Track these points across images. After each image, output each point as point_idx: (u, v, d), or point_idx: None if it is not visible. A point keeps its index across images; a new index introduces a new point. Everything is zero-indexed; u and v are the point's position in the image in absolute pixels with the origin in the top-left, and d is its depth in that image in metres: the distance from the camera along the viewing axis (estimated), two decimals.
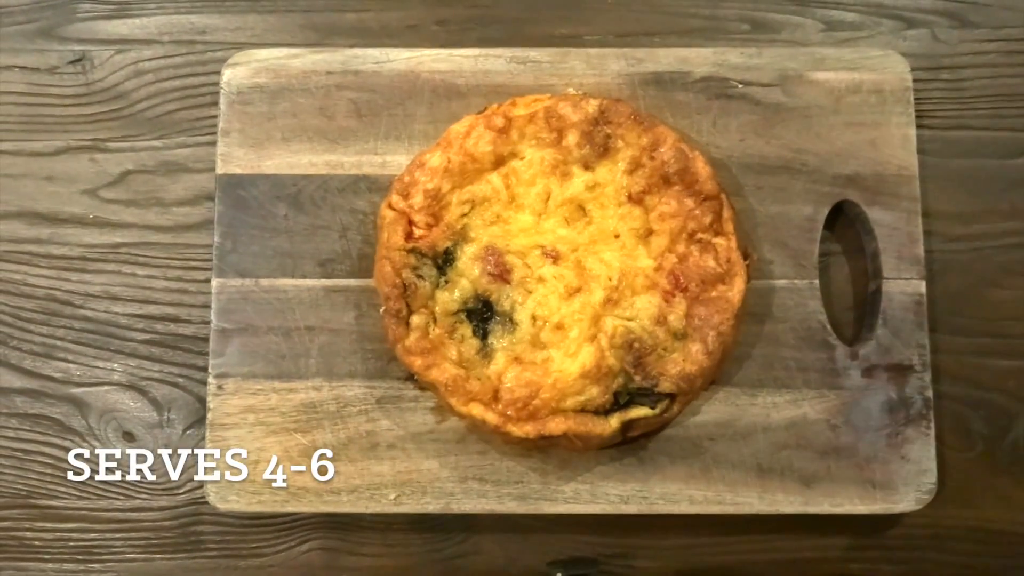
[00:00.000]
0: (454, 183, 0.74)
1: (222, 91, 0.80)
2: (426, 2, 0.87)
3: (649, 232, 0.74)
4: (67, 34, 0.86)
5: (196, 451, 0.80)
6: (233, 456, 0.75)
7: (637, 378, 0.70)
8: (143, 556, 0.80)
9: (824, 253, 0.79)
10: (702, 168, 0.74)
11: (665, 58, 0.80)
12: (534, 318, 0.72)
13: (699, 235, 0.73)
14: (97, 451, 0.80)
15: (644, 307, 0.72)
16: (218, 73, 0.81)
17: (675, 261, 0.73)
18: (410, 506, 0.74)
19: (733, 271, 0.72)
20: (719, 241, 0.73)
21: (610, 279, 0.73)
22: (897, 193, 0.78)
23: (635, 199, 0.74)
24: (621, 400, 0.70)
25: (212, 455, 0.75)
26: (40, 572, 0.80)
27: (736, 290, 0.72)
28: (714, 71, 0.80)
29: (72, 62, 0.86)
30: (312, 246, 0.78)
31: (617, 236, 0.74)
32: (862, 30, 0.86)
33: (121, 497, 0.80)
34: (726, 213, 0.74)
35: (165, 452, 0.80)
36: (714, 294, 0.72)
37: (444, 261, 0.73)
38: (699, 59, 0.80)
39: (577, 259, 0.74)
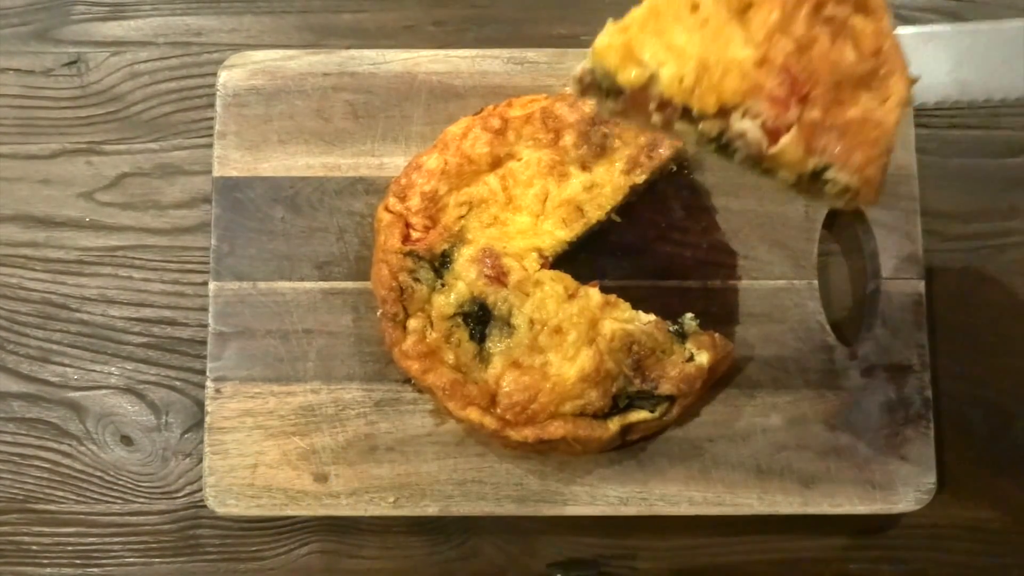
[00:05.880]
0: (451, 185, 0.73)
1: (218, 93, 0.80)
2: (423, 3, 0.86)
3: (748, 5, 0.49)
4: (62, 36, 0.86)
5: (194, 454, 0.80)
6: (232, 459, 0.75)
7: (636, 381, 0.70)
8: (142, 560, 0.79)
9: (823, 253, 0.79)
10: None
11: None
12: (532, 322, 0.71)
13: (829, 9, 0.49)
14: (95, 455, 0.80)
15: (748, 126, 0.47)
16: (214, 75, 0.80)
17: (791, 50, 0.48)
18: (409, 509, 0.74)
19: (886, 69, 0.48)
20: (862, 22, 0.49)
21: (680, 80, 0.48)
22: (896, 193, 0.78)
23: None
24: (620, 403, 0.70)
25: (210, 458, 0.75)
26: None
27: (894, 100, 0.47)
28: None
29: (67, 64, 0.85)
30: (309, 249, 0.78)
31: (696, 7, 0.49)
32: None
33: (119, 501, 0.80)
34: None
35: (163, 455, 0.80)
36: (853, 111, 0.47)
37: (441, 264, 0.73)
38: None
39: (627, 44, 0.49)
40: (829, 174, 0.48)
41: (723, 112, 0.48)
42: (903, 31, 0.57)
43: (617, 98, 0.52)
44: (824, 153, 0.46)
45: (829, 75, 0.47)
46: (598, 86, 0.52)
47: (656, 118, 0.51)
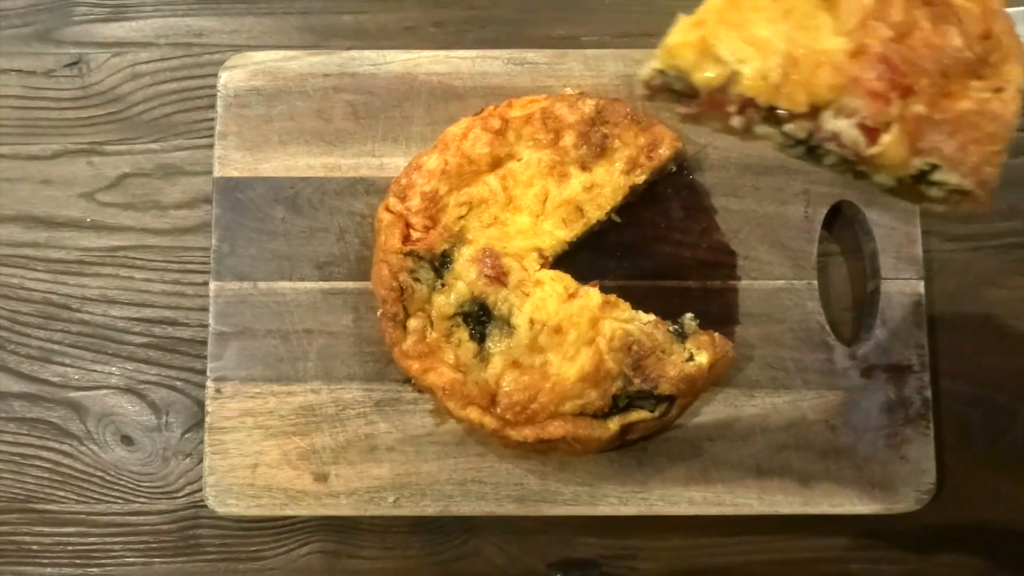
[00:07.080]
0: (451, 185, 0.73)
1: (219, 94, 0.80)
2: (423, 4, 0.87)
3: None
4: (63, 37, 0.86)
5: (194, 454, 0.80)
6: (232, 459, 0.75)
7: (636, 381, 0.70)
8: (142, 560, 0.80)
9: (822, 253, 0.79)
10: None
11: None
12: (532, 322, 0.71)
13: None
14: (96, 455, 0.80)
15: (842, 125, 0.42)
16: (215, 76, 0.81)
17: (888, 38, 0.42)
18: (409, 509, 0.74)
19: (998, 54, 0.42)
20: (966, 2, 0.43)
21: (765, 77, 0.43)
22: None
23: None
24: (620, 403, 0.70)
25: (211, 458, 0.75)
26: None
27: (1012, 88, 0.41)
28: None
29: (69, 65, 0.86)
30: (310, 249, 0.78)
31: None
32: None
33: (120, 501, 0.80)
34: None
35: (163, 455, 0.80)
36: (963, 103, 0.41)
37: (441, 264, 0.73)
38: None
39: (703, 39, 0.45)
40: (937, 176, 0.43)
41: (813, 111, 0.43)
42: (1015, 11, 0.51)
43: (691, 100, 0.47)
44: (932, 152, 0.41)
45: (933, 63, 0.41)
46: (669, 88, 0.48)
47: (736, 121, 0.47)
